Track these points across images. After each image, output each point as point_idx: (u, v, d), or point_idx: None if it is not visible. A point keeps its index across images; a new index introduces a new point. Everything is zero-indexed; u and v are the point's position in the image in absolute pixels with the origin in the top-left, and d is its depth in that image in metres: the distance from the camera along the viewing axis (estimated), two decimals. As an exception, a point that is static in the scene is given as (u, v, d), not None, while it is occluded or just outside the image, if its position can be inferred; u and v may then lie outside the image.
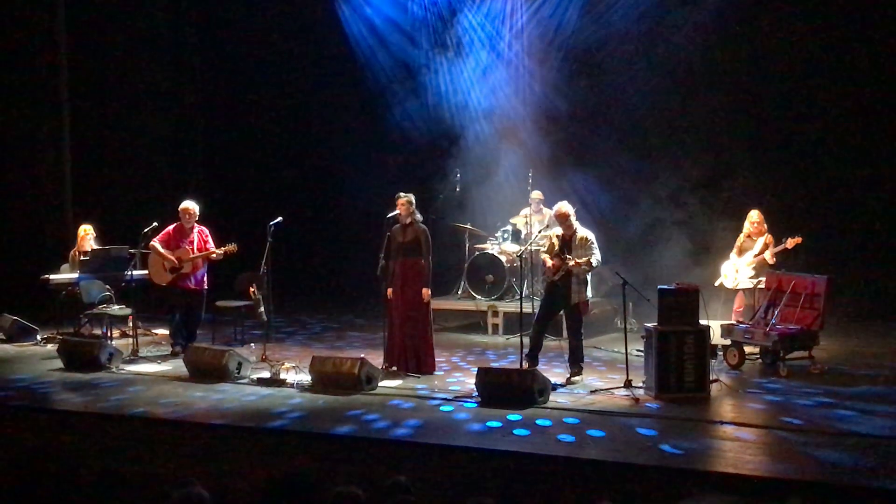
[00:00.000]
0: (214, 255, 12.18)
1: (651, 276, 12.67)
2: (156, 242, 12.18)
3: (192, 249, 12.15)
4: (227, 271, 13.41)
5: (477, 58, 16.44)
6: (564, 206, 10.49)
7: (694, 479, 6.92)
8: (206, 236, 12.36)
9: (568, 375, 10.36)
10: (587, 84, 15.83)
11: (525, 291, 12.39)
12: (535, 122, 15.96)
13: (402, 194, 10.92)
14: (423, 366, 10.83)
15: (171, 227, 12.31)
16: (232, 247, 12.14)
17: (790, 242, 11.62)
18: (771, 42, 14.98)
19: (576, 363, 10.41)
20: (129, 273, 12.41)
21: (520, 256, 11.71)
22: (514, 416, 8.70)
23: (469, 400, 9.43)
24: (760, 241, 11.93)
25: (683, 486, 6.83)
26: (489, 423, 8.53)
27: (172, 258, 12.11)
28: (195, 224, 12.30)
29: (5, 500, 4.61)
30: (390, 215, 10.91)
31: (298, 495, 4.55)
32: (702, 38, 15.03)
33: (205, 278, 12.37)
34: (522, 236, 13.98)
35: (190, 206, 12.29)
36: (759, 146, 15.08)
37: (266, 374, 10.55)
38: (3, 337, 13.57)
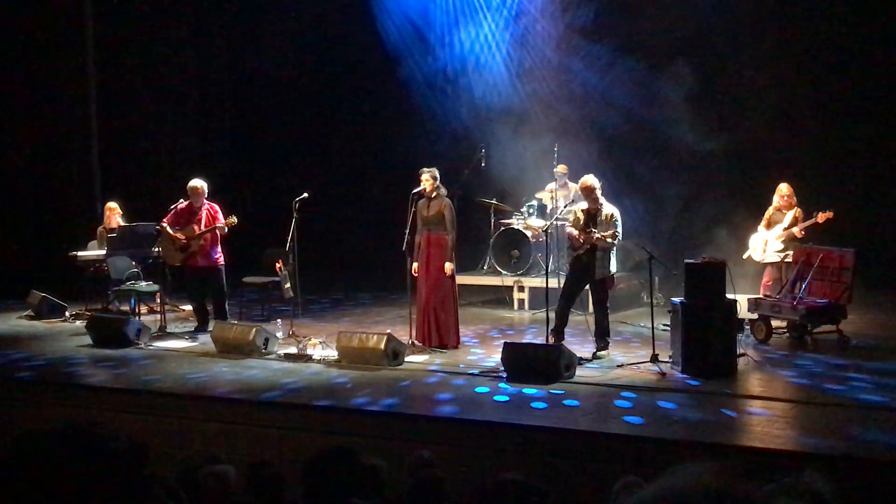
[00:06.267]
0: (218, 230, 12.11)
1: (678, 250, 12.61)
2: (165, 223, 12.14)
3: (200, 227, 12.06)
4: (253, 247, 13.45)
5: (499, 29, 16.41)
6: (590, 179, 10.42)
7: (721, 453, 6.90)
8: (216, 212, 12.22)
9: (594, 350, 10.34)
10: (611, 55, 15.69)
11: (551, 266, 12.34)
12: (559, 95, 15.86)
13: (425, 169, 10.90)
14: (449, 340, 10.84)
15: (179, 206, 12.23)
16: (233, 219, 12.08)
17: (821, 217, 11.46)
18: (803, 12, 14.83)
19: (602, 338, 10.38)
20: (157, 249, 12.47)
21: (545, 231, 11.65)
22: (539, 391, 8.70)
23: (495, 375, 9.44)
24: (790, 215, 11.79)
25: (710, 460, 6.81)
26: (515, 398, 8.54)
27: (181, 237, 12.06)
28: (204, 202, 12.24)
29: (34, 473, 4.64)
30: (415, 190, 10.90)
31: (341, 469, 4.56)
32: (732, 6, 14.88)
33: (218, 253, 12.24)
34: (548, 211, 13.93)
35: (198, 183, 12.20)
36: (789, 118, 14.94)
37: (293, 350, 10.61)
38: (33, 314, 13.69)
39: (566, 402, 8.41)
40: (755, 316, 11.02)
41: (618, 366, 9.75)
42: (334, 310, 14.17)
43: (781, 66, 15.07)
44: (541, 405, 8.31)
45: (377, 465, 5.10)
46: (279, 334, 11.14)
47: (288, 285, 11.93)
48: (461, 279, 12.19)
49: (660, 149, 15.20)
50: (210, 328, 11.65)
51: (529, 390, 8.74)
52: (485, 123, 15.79)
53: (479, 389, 8.98)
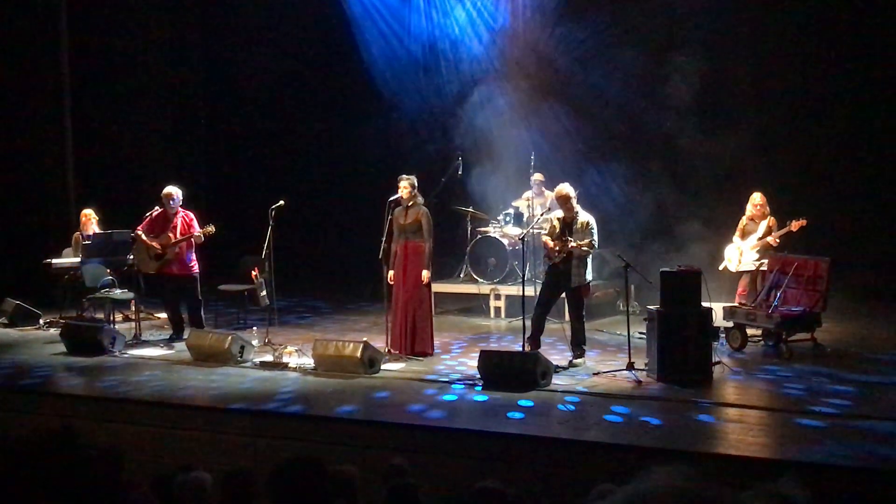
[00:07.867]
0: (195, 239, 12.02)
1: (653, 259, 12.64)
2: (140, 231, 12.04)
3: (175, 235, 11.95)
4: (229, 255, 13.38)
5: (476, 36, 16.43)
6: (565, 188, 10.45)
7: (697, 460, 6.93)
8: (191, 220, 12.13)
9: (570, 358, 10.36)
10: (585, 65, 15.72)
11: (527, 274, 12.35)
12: (533, 101, 15.84)
13: (404, 177, 10.89)
14: (425, 348, 10.84)
15: (154, 214, 12.10)
16: (210, 228, 12.02)
17: (794, 225, 11.50)
18: (773, 19, 14.94)
19: (578, 346, 10.40)
20: (132, 257, 12.40)
21: (522, 239, 11.66)
22: (516, 399, 8.70)
23: (471, 383, 9.44)
24: (763, 224, 11.83)
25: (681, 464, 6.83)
26: (490, 406, 8.55)
27: (157, 245, 11.94)
28: (179, 209, 12.14)
29: (9, 480, 4.62)
30: (392, 198, 10.90)
31: (306, 479, 4.56)
32: (703, 14, 14.94)
33: (193, 261, 12.12)
34: (525, 219, 13.94)
35: (172, 190, 12.09)
36: (763, 127, 15.02)
37: (269, 358, 10.56)
38: (6, 321, 13.56)
39: (541, 409, 8.43)
40: (730, 324, 11.06)
41: (594, 374, 9.76)
42: (310, 318, 14.12)
43: (756, 77, 15.17)
44: (516, 413, 8.32)
45: (349, 474, 5.09)
46: (255, 342, 11.09)
47: (264, 293, 11.89)
48: (437, 287, 12.17)
49: (640, 154, 15.24)
50: (185, 336, 11.60)
51: (505, 398, 8.75)
52: (462, 129, 15.76)
53: (455, 397, 9.00)
